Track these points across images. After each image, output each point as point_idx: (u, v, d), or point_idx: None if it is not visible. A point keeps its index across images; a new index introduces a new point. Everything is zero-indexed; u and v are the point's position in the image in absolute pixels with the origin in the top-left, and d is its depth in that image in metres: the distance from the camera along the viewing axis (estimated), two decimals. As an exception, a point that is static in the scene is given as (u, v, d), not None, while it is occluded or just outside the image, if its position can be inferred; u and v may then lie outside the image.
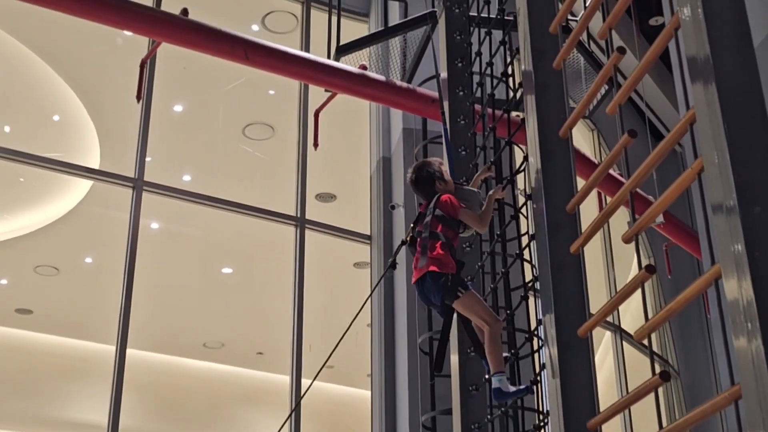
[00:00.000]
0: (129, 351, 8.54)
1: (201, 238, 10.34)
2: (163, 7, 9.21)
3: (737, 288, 2.55)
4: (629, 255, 11.65)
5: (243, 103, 10.40)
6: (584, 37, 8.46)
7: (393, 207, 9.60)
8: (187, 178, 9.80)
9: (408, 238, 5.10)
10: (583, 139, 11.80)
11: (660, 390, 3.04)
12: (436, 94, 7.62)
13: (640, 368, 11.06)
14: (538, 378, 5.20)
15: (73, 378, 9.74)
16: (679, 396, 11.68)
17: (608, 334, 11.09)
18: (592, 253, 9.33)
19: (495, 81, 6.27)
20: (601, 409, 3.54)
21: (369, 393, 9.34)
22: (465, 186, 5.25)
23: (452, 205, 4.93)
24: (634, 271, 11.91)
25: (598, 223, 3.65)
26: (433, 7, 7.59)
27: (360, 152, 10.33)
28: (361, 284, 9.63)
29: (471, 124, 6.12)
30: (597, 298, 3.89)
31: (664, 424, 2.90)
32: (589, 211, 4.22)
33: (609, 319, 10.41)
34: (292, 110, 10.20)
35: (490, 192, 5.19)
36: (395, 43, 9.59)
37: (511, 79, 6.20)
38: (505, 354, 5.10)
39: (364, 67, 8.62)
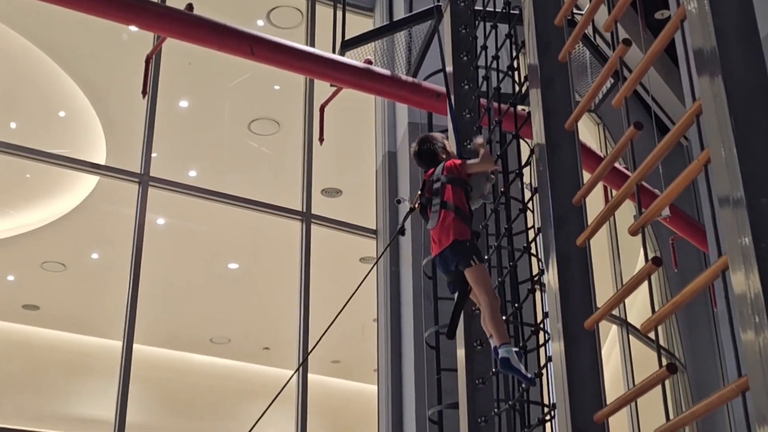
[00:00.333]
0: (135, 346, 8.56)
1: (207, 233, 10.35)
2: (168, 3, 9.23)
3: (744, 280, 2.55)
4: (635, 248, 11.65)
5: (248, 98, 10.40)
6: (589, 30, 8.44)
7: (399, 201, 9.59)
8: (193, 173, 9.81)
9: (417, 205, 5.20)
10: (588, 132, 11.80)
11: (667, 383, 3.05)
12: (441, 89, 7.62)
13: (646, 362, 11.07)
14: (543, 371, 5.22)
15: (80, 374, 9.77)
16: (686, 388, 11.68)
17: (614, 327, 11.09)
18: (599, 246, 9.31)
19: (501, 75, 6.28)
20: (608, 402, 3.55)
21: (375, 388, 9.36)
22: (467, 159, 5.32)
23: (457, 166, 5.03)
24: (640, 264, 11.90)
25: (604, 216, 3.65)
26: (438, 0, 7.60)
27: (365, 147, 10.33)
28: (368, 279, 9.63)
29: (477, 118, 6.12)
30: (603, 291, 3.89)
31: (671, 416, 2.90)
32: (595, 204, 4.22)
33: (615, 312, 10.41)
34: (298, 105, 10.20)
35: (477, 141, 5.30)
36: (400, 37, 9.57)
37: (516, 72, 6.21)
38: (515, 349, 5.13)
39: (369, 62, 8.62)
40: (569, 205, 3.88)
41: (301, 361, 9.07)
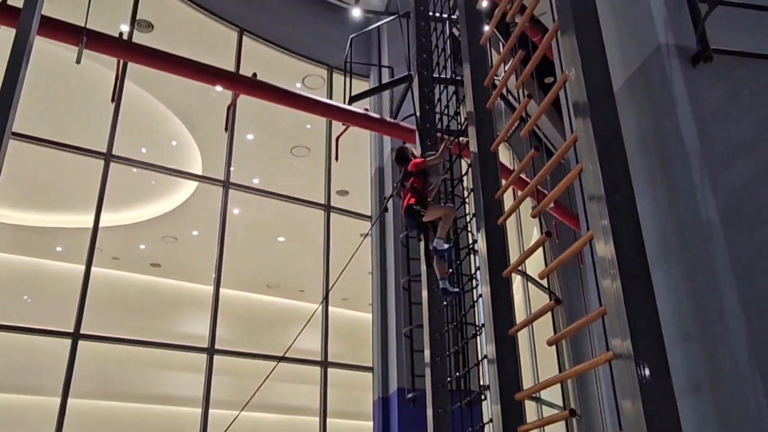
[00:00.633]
0: (222, 290, 8.56)
1: (265, 218, 10.31)
2: (241, 72, 9.19)
3: (604, 247, 2.55)
4: (532, 227, 11.68)
5: (291, 133, 10.37)
6: (504, 91, 8.43)
7: (386, 198, 9.58)
8: (256, 180, 9.76)
9: (395, 191, 5.36)
10: (503, 154, 11.80)
11: (553, 311, 3.04)
12: (412, 126, 7.60)
13: (536, 299, 11.12)
14: (476, 304, 5.22)
15: (186, 307, 9.74)
16: (563, 316, 11.72)
17: (519, 277, 11.12)
18: (510, 225, 9.34)
19: (449, 117, 6.26)
20: (517, 323, 3.54)
21: (370, 315, 9.36)
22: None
23: (416, 163, 5.17)
24: (535, 236, 11.94)
25: (514, 206, 3.65)
26: (410, 71, 7.56)
27: (364, 164, 10.30)
28: (364, 246, 9.63)
29: (434, 145, 6.10)
30: (513, 253, 3.89)
31: (555, 332, 2.90)
32: (508, 199, 4.20)
33: (520, 267, 10.43)
34: (322, 137, 10.18)
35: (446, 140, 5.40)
36: (386, 94, 9.56)
37: (459, 116, 6.19)
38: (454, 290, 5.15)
39: (366, 110, 8.60)
40: (493, 200, 3.87)
41: (323, 299, 9.07)
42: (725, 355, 2.60)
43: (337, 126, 9.20)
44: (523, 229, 11.34)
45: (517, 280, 11.46)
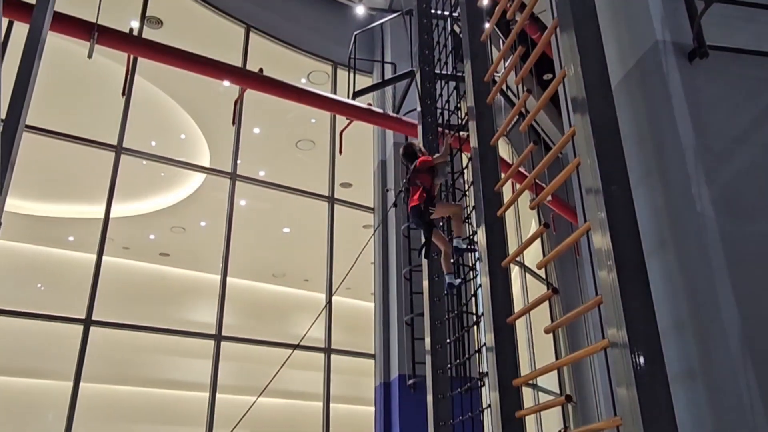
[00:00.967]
0: (228, 279, 8.56)
1: (271, 209, 10.30)
2: (248, 67, 9.16)
3: (601, 238, 2.54)
4: (530, 219, 11.66)
5: (296, 127, 10.34)
6: (504, 87, 8.40)
7: (387, 190, 9.57)
8: (262, 172, 9.74)
9: (404, 187, 5.31)
10: (502, 149, 11.75)
11: (550, 301, 3.04)
12: (414, 121, 7.58)
13: (533, 288, 11.12)
14: (476, 293, 5.21)
15: (194, 295, 9.75)
16: (560, 305, 11.73)
17: (517, 267, 11.12)
18: (509, 217, 9.33)
19: (450, 112, 6.24)
20: (515, 311, 3.54)
21: (372, 304, 9.36)
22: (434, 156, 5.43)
23: (426, 160, 5.12)
24: (532, 228, 11.93)
25: (513, 198, 3.63)
26: (412, 67, 7.52)
27: (367, 157, 10.28)
28: (367, 237, 9.63)
29: (435, 139, 6.08)
30: (511, 245, 3.88)
31: (553, 320, 2.90)
32: (507, 192, 4.19)
33: (518, 258, 10.43)
34: (326, 131, 10.15)
35: (446, 135, 5.50)
36: (389, 89, 9.53)
37: (459, 111, 6.17)
38: (457, 281, 5.15)
39: (370, 104, 8.56)
40: (492, 192, 3.86)
41: (327, 288, 9.08)
42: (718, 343, 2.59)
43: (341, 120, 9.17)
44: (522, 222, 11.32)
45: (515, 271, 11.46)
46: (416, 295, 8.13)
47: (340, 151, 8.91)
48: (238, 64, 9.39)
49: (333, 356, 8.88)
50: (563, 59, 3.01)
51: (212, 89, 9.35)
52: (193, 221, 10.13)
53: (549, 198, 8.53)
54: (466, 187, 5.77)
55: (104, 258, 7.72)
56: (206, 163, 9.37)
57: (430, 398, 5.13)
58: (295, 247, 10.97)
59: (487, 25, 4.39)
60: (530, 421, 8.92)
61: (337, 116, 9.73)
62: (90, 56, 6.52)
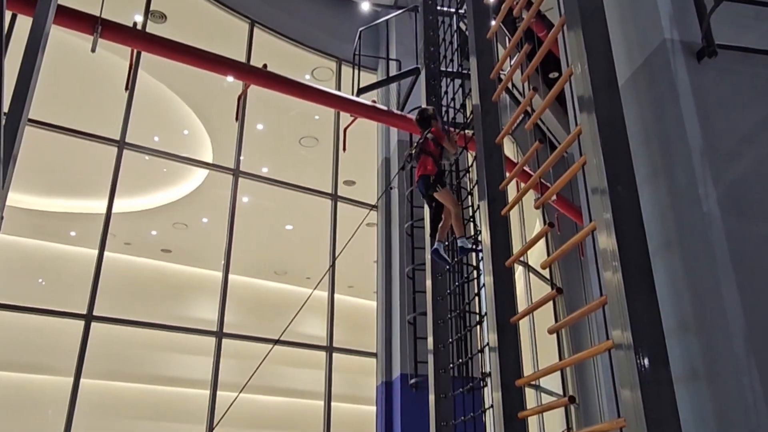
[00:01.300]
0: (230, 276, 8.57)
1: (273, 206, 10.32)
2: (252, 63, 9.16)
3: (606, 239, 2.54)
4: (534, 219, 11.64)
5: (299, 123, 10.35)
6: (509, 84, 8.39)
7: (391, 188, 9.57)
8: (265, 169, 9.76)
9: (412, 153, 5.29)
10: (507, 147, 11.73)
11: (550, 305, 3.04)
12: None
13: (537, 288, 11.10)
14: (480, 293, 5.20)
15: (195, 292, 9.76)
16: (563, 306, 11.71)
17: (520, 267, 11.10)
18: (513, 216, 9.31)
19: (455, 110, 6.23)
20: (519, 311, 3.54)
21: (375, 303, 9.37)
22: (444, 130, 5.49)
23: (440, 133, 5.16)
24: (537, 228, 11.91)
25: (518, 197, 3.63)
26: (417, 64, 7.52)
27: (371, 154, 10.28)
28: (371, 236, 9.64)
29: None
30: (515, 244, 3.88)
31: (556, 320, 2.90)
32: (511, 191, 4.19)
33: (522, 259, 10.41)
34: (330, 128, 10.16)
35: (452, 135, 5.47)
36: (393, 86, 9.53)
37: (465, 109, 6.16)
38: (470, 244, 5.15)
39: (374, 101, 8.56)
40: (497, 191, 3.85)
41: (329, 285, 9.09)
42: (723, 345, 2.59)
43: (345, 117, 9.17)
44: (526, 221, 11.31)
45: (518, 270, 11.45)
46: (419, 294, 8.14)
47: (344, 149, 8.91)
48: (242, 59, 9.39)
49: (335, 355, 8.90)
50: (570, 57, 3.00)
51: (215, 85, 9.36)
52: (195, 217, 10.15)
53: (554, 197, 8.54)
54: (471, 186, 5.76)
55: (106, 254, 7.74)
56: (209, 159, 9.39)
57: (432, 398, 5.14)
58: (298, 245, 10.98)
59: (493, 23, 4.39)
60: (533, 422, 8.93)
61: (341, 113, 9.73)
62: (93, 50, 6.53)
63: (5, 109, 4.41)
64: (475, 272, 6.03)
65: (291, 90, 7.90)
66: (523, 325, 5.68)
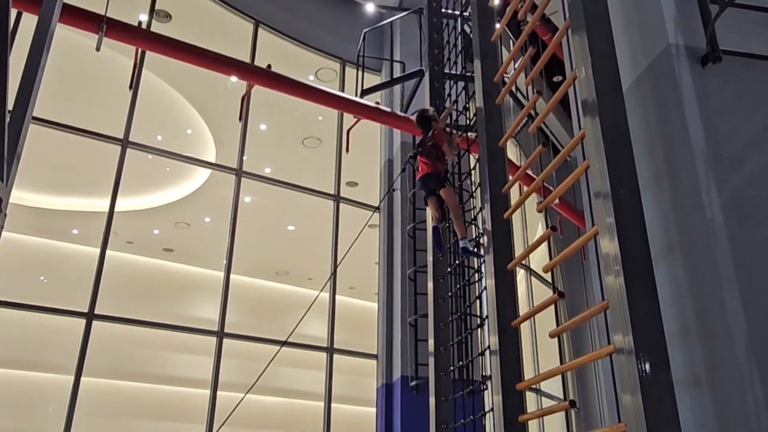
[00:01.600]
0: (232, 276, 8.58)
1: (276, 207, 10.33)
2: (256, 63, 9.17)
3: (609, 243, 2.54)
4: (536, 222, 11.64)
5: (302, 124, 10.36)
6: (513, 87, 8.38)
7: (394, 190, 9.57)
8: (268, 169, 9.76)
9: (415, 153, 5.45)
10: (509, 150, 11.70)
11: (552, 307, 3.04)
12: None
13: (538, 291, 11.10)
14: (481, 296, 5.20)
15: (197, 291, 9.77)
16: (565, 309, 11.70)
17: (522, 270, 11.10)
18: (515, 218, 9.30)
19: (459, 112, 6.23)
20: (520, 315, 3.54)
21: (376, 305, 9.37)
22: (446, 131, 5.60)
23: (441, 136, 5.30)
24: (538, 231, 11.91)
25: (521, 201, 3.63)
26: (421, 66, 7.53)
27: (373, 156, 10.29)
28: (373, 237, 9.64)
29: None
30: (517, 247, 3.88)
31: (558, 324, 2.90)
32: (513, 194, 4.19)
33: (524, 262, 10.40)
34: (333, 129, 10.17)
35: (453, 138, 5.55)
36: (397, 88, 9.54)
37: (468, 111, 6.16)
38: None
39: (378, 103, 8.56)
40: (499, 194, 3.86)
41: (331, 286, 9.09)
42: (724, 350, 2.59)
43: (348, 118, 9.18)
44: (527, 223, 11.30)
45: (519, 273, 11.44)
46: (420, 296, 8.14)
47: (347, 150, 8.92)
48: (246, 59, 9.41)
49: (335, 356, 8.90)
50: (574, 61, 3.00)
51: (219, 85, 9.38)
52: (197, 217, 10.16)
53: (556, 201, 8.52)
54: (474, 189, 5.76)
55: (108, 252, 7.75)
56: (212, 159, 9.40)
57: (432, 400, 5.14)
58: (299, 246, 10.99)
59: (497, 26, 4.39)
60: (533, 426, 8.91)
61: (345, 114, 9.73)
62: (98, 49, 6.55)
63: (10, 106, 4.43)
64: (476, 275, 6.03)
65: (295, 91, 7.91)
66: (524, 327, 5.69)
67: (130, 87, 7.89)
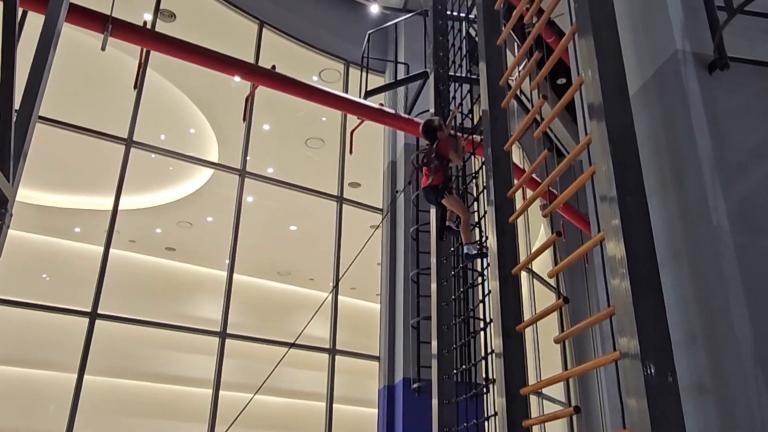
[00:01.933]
0: (235, 276, 8.60)
1: (278, 207, 10.34)
2: (260, 64, 9.19)
3: (615, 247, 2.54)
4: (538, 225, 11.63)
5: (306, 125, 10.38)
6: (518, 91, 8.38)
7: (397, 192, 9.58)
8: (271, 170, 9.78)
9: (419, 164, 5.44)
10: (514, 154, 11.70)
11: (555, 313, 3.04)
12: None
13: (541, 296, 11.09)
14: (485, 300, 5.20)
15: (199, 291, 9.79)
16: (568, 315, 11.68)
17: (525, 274, 11.09)
18: (518, 221, 9.27)
19: (463, 115, 6.24)
20: (524, 320, 3.54)
21: (378, 306, 9.37)
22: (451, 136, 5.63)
23: (446, 146, 5.29)
24: (541, 234, 11.90)
25: (526, 205, 3.64)
26: (426, 68, 7.52)
27: (377, 157, 10.30)
28: (375, 238, 9.64)
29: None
30: (522, 252, 3.88)
31: (562, 331, 2.90)
32: (517, 198, 4.20)
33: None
34: (336, 130, 10.18)
35: (459, 142, 5.62)
36: (401, 89, 9.54)
37: (473, 114, 6.16)
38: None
39: (381, 105, 8.57)
40: (504, 198, 3.86)
41: (333, 287, 9.09)
42: (730, 357, 2.59)
43: (352, 119, 9.19)
44: (530, 226, 11.30)
45: (522, 277, 11.41)
46: (423, 298, 8.14)
47: (351, 151, 8.93)
48: (251, 60, 9.42)
49: (337, 357, 8.91)
50: (581, 65, 3.01)
51: (223, 85, 9.39)
52: (200, 216, 10.18)
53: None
54: (478, 192, 5.77)
55: (111, 250, 7.76)
56: (215, 159, 9.42)
57: (435, 403, 5.14)
58: (302, 246, 11.00)
59: (503, 29, 4.39)
60: (534, 430, 8.90)
61: (348, 115, 9.74)
62: (103, 48, 6.56)
63: (17, 105, 4.44)
64: (479, 278, 6.03)
65: (298, 91, 7.92)
66: (527, 331, 5.68)
67: (135, 86, 7.91)
